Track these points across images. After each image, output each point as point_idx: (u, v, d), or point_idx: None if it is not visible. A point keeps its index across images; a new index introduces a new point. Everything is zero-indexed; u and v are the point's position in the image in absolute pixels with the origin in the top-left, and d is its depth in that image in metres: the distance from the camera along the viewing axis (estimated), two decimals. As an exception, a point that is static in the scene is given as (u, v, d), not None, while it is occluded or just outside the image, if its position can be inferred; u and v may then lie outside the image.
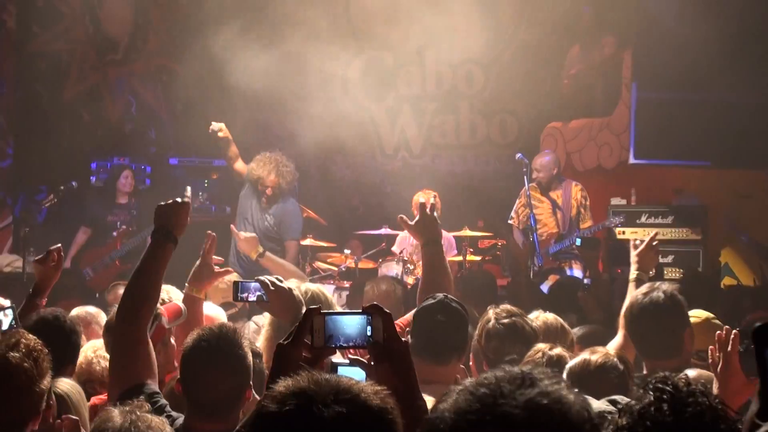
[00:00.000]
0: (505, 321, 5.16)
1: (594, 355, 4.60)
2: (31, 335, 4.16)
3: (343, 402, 2.22)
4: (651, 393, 2.71)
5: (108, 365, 4.67)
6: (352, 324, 3.02)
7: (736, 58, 11.59)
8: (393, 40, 14.10)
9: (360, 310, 3.06)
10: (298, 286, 5.55)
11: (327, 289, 11.08)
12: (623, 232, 12.28)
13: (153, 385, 4.27)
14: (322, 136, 14.05)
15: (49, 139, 12.56)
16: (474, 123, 14.94)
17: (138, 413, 3.47)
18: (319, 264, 12.38)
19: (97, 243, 12.54)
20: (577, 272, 11.61)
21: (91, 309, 6.00)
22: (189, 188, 4.55)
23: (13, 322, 4.92)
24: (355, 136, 14.24)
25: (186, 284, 5.60)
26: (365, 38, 14.67)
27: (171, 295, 5.23)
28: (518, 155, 11.86)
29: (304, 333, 3.00)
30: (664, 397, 2.68)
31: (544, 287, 10.68)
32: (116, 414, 3.50)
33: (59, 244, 5.65)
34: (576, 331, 6.19)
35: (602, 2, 13.52)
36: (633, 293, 5.70)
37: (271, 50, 13.10)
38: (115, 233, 12.44)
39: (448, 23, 13.78)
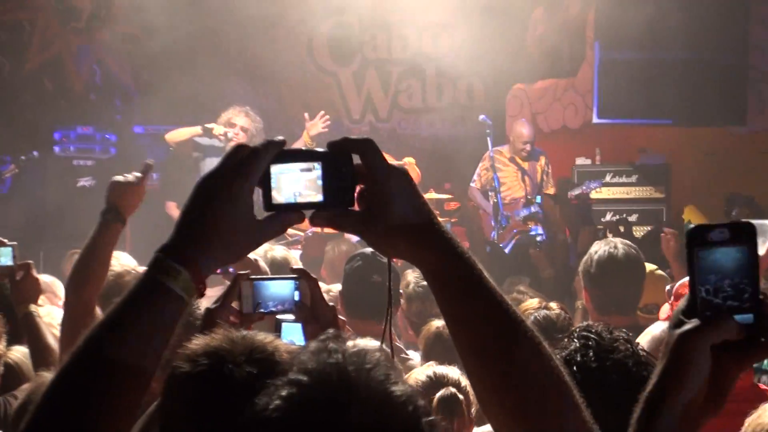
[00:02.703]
0: (425, 283, 4.86)
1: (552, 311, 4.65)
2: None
3: (255, 362, 2.15)
4: (576, 341, 2.79)
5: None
6: (279, 289, 3.03)
7: (696, 16, 11.65)
8: (358, 3, 14.04)
9: (287, 276, 3.08)
10: (266, 251, 5.50)
11: (295, 254, 11.05)
12: (588, 192, 12.37)
13: None
14: (288, 100, 14.05)
15: (12, 109, 12.47)
16: (440, 86, 14.92)
17: None
18: (284, 229, 12.33)
19: None
20: (540, 231, 11.66)
21: (47, 278, 5.95)
22: (152, 161, 4.29)
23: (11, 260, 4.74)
24: (321, 100, 14.22)
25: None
26: (330, 2, 14.63)
27: (121, 261, 5.08)
28: (481, 117, 11.90)
29: (232, 297, 2.99)
30: (589, 344, 2.76)
31: (508, 248, 10.73)
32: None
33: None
34: None
35: (565, -38, 13.52)
36: (590, 250, 5.40)
37: (237, 11, 13.08)
38: None
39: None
